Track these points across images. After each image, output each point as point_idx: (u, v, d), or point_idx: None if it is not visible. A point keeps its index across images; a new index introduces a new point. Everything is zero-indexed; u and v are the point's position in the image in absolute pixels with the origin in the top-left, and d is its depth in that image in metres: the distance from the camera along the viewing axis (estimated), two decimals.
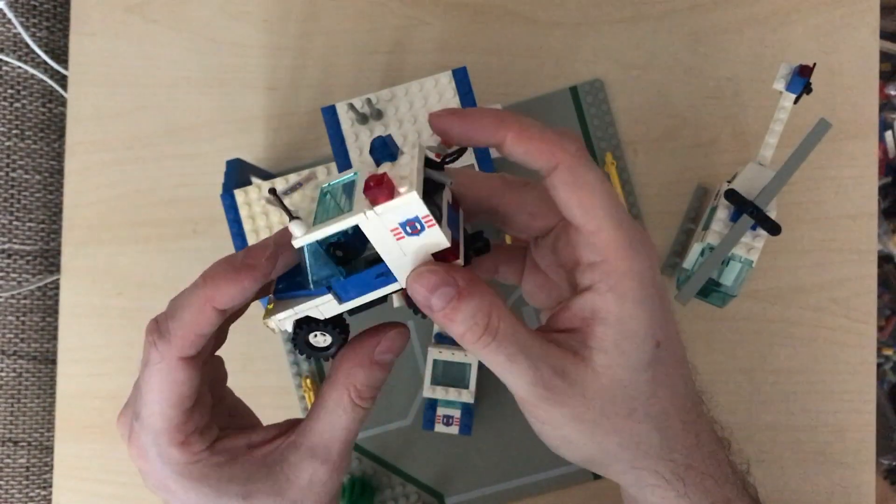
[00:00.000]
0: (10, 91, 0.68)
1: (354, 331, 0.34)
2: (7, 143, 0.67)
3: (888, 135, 1.04)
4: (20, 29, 0.67)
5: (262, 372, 0.58)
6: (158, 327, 0.31)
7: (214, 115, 0.61)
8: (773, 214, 0.48)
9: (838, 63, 0.57)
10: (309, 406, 0.57)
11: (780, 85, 0.49)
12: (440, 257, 0.31)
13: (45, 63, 0.69)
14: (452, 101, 0.47)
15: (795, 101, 0.49)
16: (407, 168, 0.31)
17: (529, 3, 0.60)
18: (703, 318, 0.56)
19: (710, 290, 0.51)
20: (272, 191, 0.32)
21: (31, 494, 0.68)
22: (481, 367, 0.52)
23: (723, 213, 0.49)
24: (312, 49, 0.61)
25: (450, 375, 0.53)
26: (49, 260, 0.69)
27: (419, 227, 0.30)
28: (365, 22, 0.61)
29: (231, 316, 0.34)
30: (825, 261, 0.57)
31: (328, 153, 0.56)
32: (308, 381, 0.58)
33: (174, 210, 0.60)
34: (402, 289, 0.32)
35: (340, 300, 0.32)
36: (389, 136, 0.33)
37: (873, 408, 0.56)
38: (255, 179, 0.57)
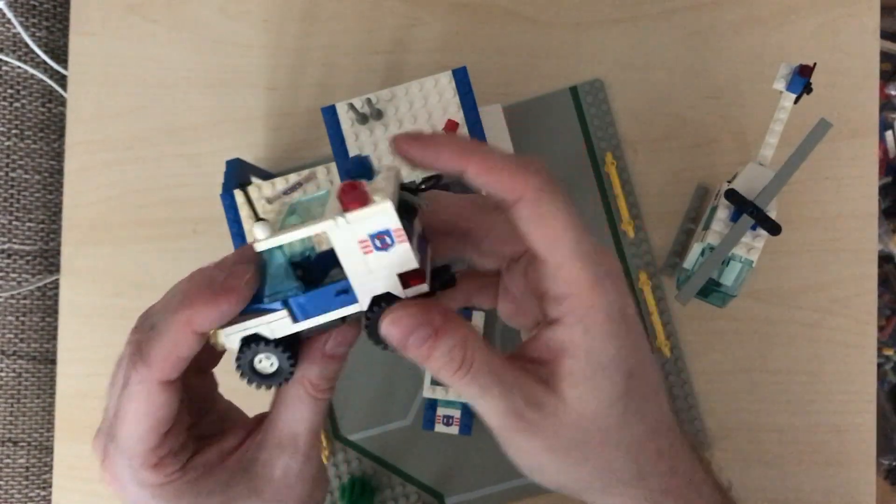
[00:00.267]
0: (9, 91, 0.68)
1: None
2: (7, 143, 0.67)
3: (888, 135, 1.04)
4: (20, 29, 0.67)
5: None
6: (140, 349, 0.31)
7: (214, 115, 0.61)
8: (773, 214, 0.48)
9: (838, 63, 0.57)
10: None
11: (780, 85, 0.49)
12: (405, 280, 0.30)
13: (45, 63, 0.68)
14: (452, 100, 0.47)
15: (795, 101, 0.49)
16: (383, 183, 0.30)
17: (529, 3, 0.60)
18: (703, 318, 0.56)
19: (710, 290, 0.51)
20: (243, 190, 0.31)
21: (31, 494, 0.68)
22: None
23: (723, 213, 0.49)
24: (312, 49, 0.61)
25: None
26: (49, 260, 0.69)
27: (389, 241, 0.30)
28: (365, 22, 0.61)
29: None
30: (825, 261, 0.56)
31: (328, 153, 0.56)
32: None
33: (174, 210, 0.60)
34: (361, 312, 0.31)
35: (295, 318, 0.31)
36: (368, 156, 0.32)
37: (873, 408, 0.56)
38: (255, 179, 0.57)
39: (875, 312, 0.56)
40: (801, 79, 0.48)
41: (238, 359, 0.31)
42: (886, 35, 1.00)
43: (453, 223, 0.33)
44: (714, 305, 0.52)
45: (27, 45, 0.68)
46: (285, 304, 0.31)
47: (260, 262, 0.31)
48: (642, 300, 0.57)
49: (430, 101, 0.47)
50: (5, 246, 0.67)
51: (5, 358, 0.67)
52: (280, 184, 0.53)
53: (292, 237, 0.29)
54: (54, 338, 0.68)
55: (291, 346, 0.32)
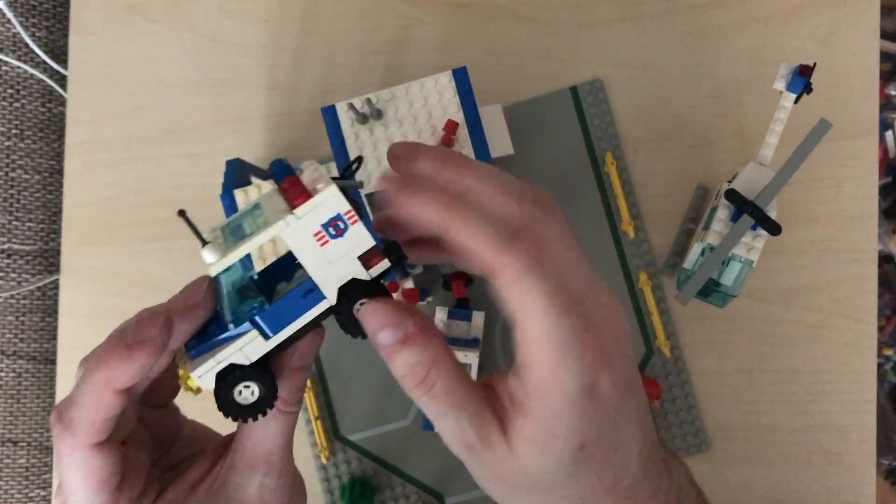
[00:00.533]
0: (9, 91, 0.68)
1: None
2: (7, 143, 0.67)
3: (888, 135, 1.04)
4: (20, 29, 0.67)
5: None
6: (61, 418, 0.30)
7: (214, 115, 0.61)
8: (773, 214, 0.48)
9: (838, 63, 0.57)
10: (310, 403, 0.57)
11: (780, 85, 0.49)
12: (366, 261, 0.30)
13: (45, 63, 0.68)
14: (452, 100, 0.47)
15: (796, 101, 0.49)
16: (316, 174, 0.30)
17: (529, 3, 0.60)
18: (703, 318, 0.56)
19: (710, 290, 0.51)
20: (181, 212, 0.31)
21: (31, 495, 0.68)
22: (481, 367, 0.52)
23: (723, 213, 0.49)
24: (312, 49, 0.61)
25: None
26: (49, 260, 0.69)
27: (343, 226, 0.29)
28: (365, 22, 0.61)
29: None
30: (825, 261, 0.56)
31: (328, 153, 0.56)
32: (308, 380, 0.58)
33: (174, 210, 0.60)
34: (332, 306, 0.30)
35: (266, 335, 0.30)
36: (284, 159, 0.32)
37: (873, 408, 0.56)
38: (254, 179, 0.57)
39: (875, 312, 0.56)
40: (801, 79, 0.48)
41: (218, 397, 0.30)
42: (886, 35, 1.00)
43: (428, 232, 0.32)
44: (714, 305, 0.52)
45: (27, 45, 0.68)
46: (253, 324, 0.30)
47: (218, 288, 0.30)
48: (642, 300, 0.57)
49: (430, 101, 0.47)
50: (5, 246, 0.67)
51: (5, 358, 0.67)
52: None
53: (245, 250, 0.29)
54: (54, 338, 0.68)
55: (268, 371, 0.31)
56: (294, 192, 0.29)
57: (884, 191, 1.04)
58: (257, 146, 0.60)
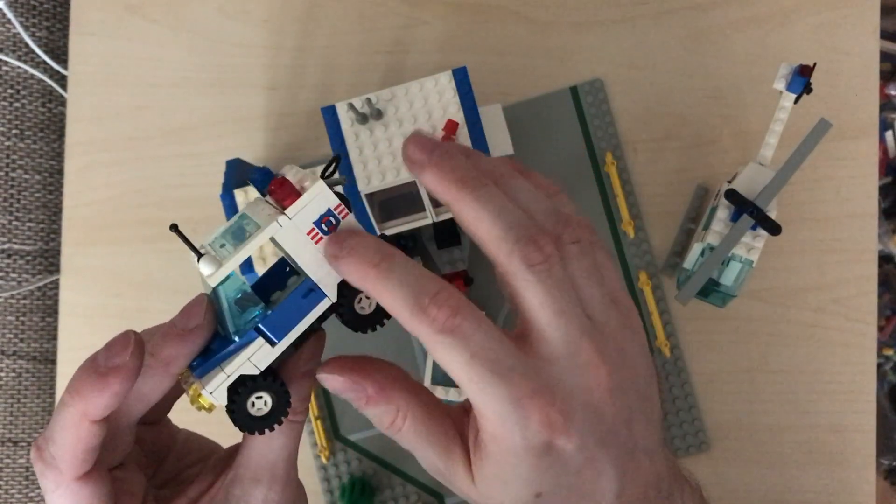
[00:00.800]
0: (9, 91, 0.68)
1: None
2: (7, 143, 0.67)
3: (888, 135, 1.04)
4: (20, 29, 0.67)
5: None
6: (41, 455, 0.30)
7: (214, 115, 0.61)
8: (773, 214, 0.48)
9: (838, 63, 0.57)
10: (310, 403, 0.57)
11: (780, 85, 0.49)
12: None
13: (45, 63, 0.68)
14: (452, 100, 0.47)
15: (795, 101, 0.49)
16: (299, 175, 0.30)
17: (529, 3, 0.60)
18: (703, 318, 0.56)
19: (710, 290, 0.51)
20: (174, 227, 0.30)
21: (31, 494, 0.68)
22: None
23: (723, 213, 0.49)
24: (312, 49, 0.61)
25: (450, 377, 0.53)
26: (49, 260, 0.69)
27: (334, 220, 0.30)
28: (365, 22, 0.61)
29: (177, 392, 0.33)
30: (825, 261, 0.56)
31: (328, 153, 0.56)
32: None
33: (174, 210, 0.60)
34: (333, 303, 0.30)
35: (272, 341, 0.30)
36: (264, 165, 0.32)
37: (873, 408, 0.56)
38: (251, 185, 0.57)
39: (875, 312, 0.56)
40: (801, 79, 0.48)
41: (232, 411, 0.30)
42: (886, 35, 1.00)
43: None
44: (714, 305, 0.52)
45: (27, 45, 0.68)
46: (258, 331, 0.30)
47: (217, 302, 0.30)
48: (642, 300, 0.57)
49: (430, 101, 0.47)
50: (5, 246, 0.67)
51: (5, 358, 0.67)
52: None
53: (242, 256, 0.29)
54: (54, 338, 0.68)
55: (278, 378, 0.31)
56: (283, 192, 0.29)
57: (884, 191, 1.04)
58: (257, 146, 0.60)
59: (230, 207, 0.53)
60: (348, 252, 0.29)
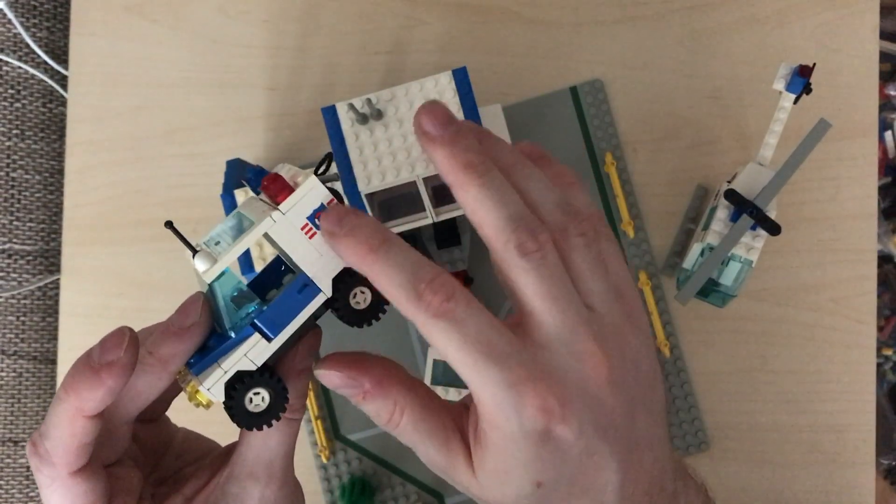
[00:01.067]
0: (10, 91, 0.68)
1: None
2: (7, 143, 0.68)
3: (888, 135, 1.04)
4: (20, 29, 0.67)
5: None
6: (37, 450, 0.30)
7: (214, 115, 0.61)
8: (773, 214, 0.48)
9: (838, 63, 0.57)
10: (310, 403, 0.57)
11: (780, 85, 0.49)
12: None
13: (45, 63, 0.69)
14: (452, 101, 0.47)
15: (795, 101, 0.49)
16: (292, 172, 0.30)
17: (529, 3, 0.60)
18: (703, 318, 0.56)
19: (710, 290, 0.51)
20: (169, 224, 0.30)
21: (31, 494, 0.68)
22: None
23: (723, 213, 0.49)
24: (312, 49, 0.61)
25: (450, 375, 0.53)
26: (49, 260, 0.69)
27: None
28: (365, 22, 0.61)
29: (174, 389, 0.33)
30: (825, 261, 0.57)
31: (320, 161, 0.56)
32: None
33: (174, 210, 0.60)
34: (329, 298, 0.31)
35: (269, 337, 0.30)
36: (258, 164, 0.32)
37: (873, 408, 0.56)
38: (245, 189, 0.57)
39: (875, 312, 0.56)
40: (801, 79, 0.48)
41: (230, 407, 0.30)
42: (886, 35, 1.00)
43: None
44: (714, 305, 0.52)
45: (27, 46, 0.68)
46: (254, 327, 0.30)
47: (214, 299, 0.30)
48: (642, 300, 0.57)
49: None
50: (6, 246, 0.67)
51: (6, 358, 0.67)
52: None
53: (236, 252, 0.29)
54: (55, 338, 0.68)
55: (275, 374, 0.31)
56: (275, 188, 0.29)
57: (883, 191, 1.04)
58: (257, 146, 0.60)
59: (230, 207, 0.53)
60: (347, 232, 0.29)
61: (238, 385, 0.30)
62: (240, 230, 0.30)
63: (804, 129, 0.47)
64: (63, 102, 0.69)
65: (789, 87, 0.49)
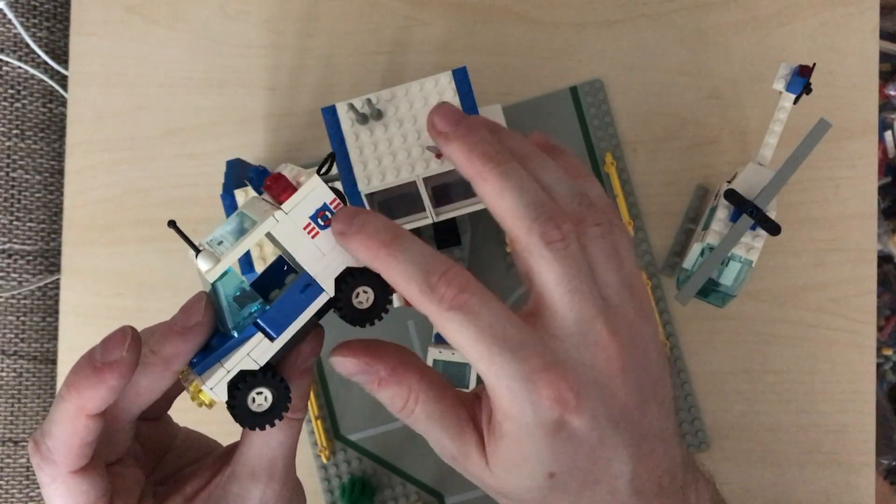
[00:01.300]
0: (10, 91, 0.68)
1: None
2: (7, 143, 0.68)
3: (888, 135, 1.04)
4: (20, 29, 0.67)
5: None
6: (38, 449, 0.30)
7: (214, 115, 0.61)
8: (772, 214, 0.48)
9: (838, 63, 0.57)
10: (310, 403, 0.57)
11: (780, 85, 0.49)
12: None
13: (45, 63, 0.69)
14: (452, 101, 0.47)
15: (795, 101, 0.49)
16: (295, 171, 0.30)
17: (529, 3, 0.60)
18: (703, 318, 0.56)
19: (710, 290, 0.51)
20: (172, 223, 0.30)
21: (32, 494, 0.68)
22: None
23: (723, 213, 0.50)
24: (312, 49, 0.61)
25: (450, 375, 0.53)
26: (49, 260, 0.69)
27: (330, 215, 0.30)
28: (365, 22, 0.61)
29: (177, 389, 0.33)
30: (825, 261, 0.57)
31: (322, 160, 0.56)
32: None
33: (174, 210, 0.60)
34: (331, 297, 0.31)
35: (271, 336, 0.30)
36: (260, 164, 0.32)
37: (873, 408, 0.56)
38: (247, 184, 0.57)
39: (875, 312, 0.56)
40: (801, 79, 0.48)
41: (233, 406, 0.30)
42: (886, 35, 1.00)
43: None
44: (714, 305, 0.52)
45: (28, 46, 0.68)
46: (257, 327, 0.30)
47: (217, 298, 0.30)
48: None
49: (430, 101, 0.47)
50: (6, 246, 0.67)
51: (6, 358, 0.67)
52: None
53: (239, 251, 0.29)
54: (55, 338, 0.68)
55: (277, 373, 0.31)
56: (278, 187, 0.29)
57: (883, 191, 1.04)
58: (257, 146, 0.61)
59: (230, 207, 0.53)
60: (357, 230, 0.29)
61: (241, 385, 0.30)
62: (242, 230, 0.30)
63: (804, 129, 0.47)
64: (63, 102, 0.69)
65: (789, 87, 0.49)
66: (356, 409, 0.58)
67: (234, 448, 0.34)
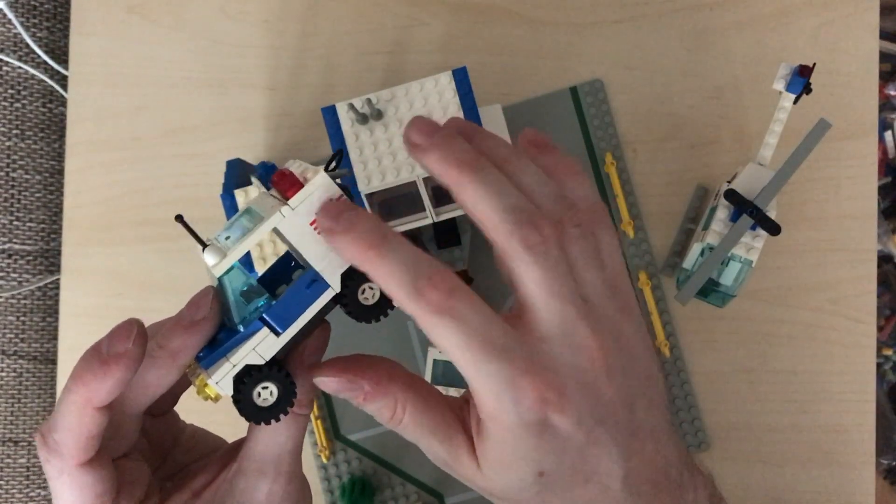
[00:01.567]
0: (10, 91, 0.68)
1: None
2: (7, 143, 0.68)
3: (888, 135, 1.04)
4: (20, 29, 0.67)
5: None
6: (45, 441, 0.30)
7: (214, 115, 0.61)
8: (772, 214, 0.48)
9: (838, 63, 0.57)
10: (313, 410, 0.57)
11: (779, 85, 0.49)
12: None
13: (45, 63, 0.69)
14: (452, 101, 0.47)
15: (795, 101, 0.49)
16: (302, 167, 0.30)
17: (530, 3, 0.60)
18: (703, 318, 0.56)
19: (710, 290, 0.51)
20: (179, 217, 0.30)
21: (32, 494, 0.68)
22: None
23: (723, 213, 0.50)
24: (312, 49, 0.61)
25: (450, 375, 0.53)
26: (49, 260, 0.69)
27: None
28: (365, 22, 0.61)
29: (183, 384, 0.33)
30: (825, 261, 0.57)
31: (328, 153, 0.56)
32: None
33: (174, 210, 0.60)
34: (337, 293, 0.31)
35: (277, 332, 0.30)
36: (268, 160, 0.32)
37: (873, 408, 0.56)
38: (254, 180, 0.57)
39: (875, 312, 0.56)
40: (801, 79, 0.48)
41: (238, 401, 0.30)
42: (886, 35, 1.00)
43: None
44: (714, 305, 0.52)
45: (28, 46, 0.68)
46: (262, 321, 0.30)
47: (223, 292, 0.30)
48: (642, 300, 0.57)
49: (430, 102, 0.47)
50: (6, 246, 0.67)
51: (6, 358, 0.67)
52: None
53: (246, 246, 0.29)
54: (55, 338, 0.68)
55: (283, 368, 0.31)
56: (286, 183, 0.29)
57: (883, 191, 1.04)
58: (257, 146, 0.61)
59: (230, 207, 0.53)
60: (345, 228, 0.29)
61: (246, 379, 0.30)
62: (250, 225, 0.30)
63: (804, 129, 0.47)
64: (63, 102, 0.69)
65: (789, 87, 0.49)
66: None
67: (240, 444, 0.34)
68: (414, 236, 0.54)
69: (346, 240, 0.29)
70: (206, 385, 0.30)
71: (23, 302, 0.68)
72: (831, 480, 0.56)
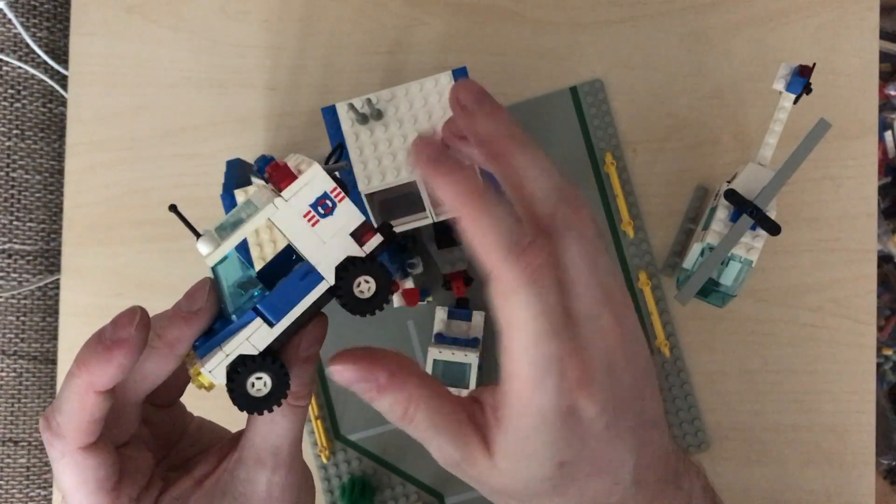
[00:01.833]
0: (10, 91, 0.68)
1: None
2: (7, 143, 0.68)
3: (888, 135, 1.04)
4: (20, 29, 0.67)
5: None
6: (49, 424, 0.30)
7: (214, 115, 0.61)
8: (772, 214, 0.48)
9: (838, 63, 0.57)
10: (312, 410, 0.57)
11: (779, 85, 0.49)
12: (358, 237, 0.30)
13: (45, 63, 0.69)
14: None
15: (795, 101, 0.49)
16: (297, 159, 0.30)
17: (530, 3, 0.60)
18: (703, 318, 0.57)
19: (710, 290, 0.51)
20: (172, 207, 0.30)
21: (32, 494, 0.68)
22: (481, 367, 0.52)
23: (723, 213, 0.50)
24: (312, 49, 0.61)
25: (450, 375, 0.53)
26: (49, 260, 0.69)
27: (331, 204, 0.30)
28: (365, 22, 0.61)
29: (187, 375, 0.33)
30: (825, 261, 0.57)
31: (328, 153, 0.56)
32: None
33: None
34: (331, 286, 0.31)
35: (271, 322, 0.30)
36: (267, 153, 0.32)
37: (873, 408, 0.56)
38: (255, 179, 0.57)
39: (875, 312, 0.56)
40: (801, 79, 0.48)
41: (231, 390, 0.30)
42: (886, 35, 1.00)
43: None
44: (714, 305, 0.52)
45: (28, 46, 0.68)
46: (256, 312, 0.30)
47: (218, 281, 0.31)
48: (642, 300, 0.57)
49: (430, 102, 0.47)
50: (6, 246, 0.67)
51: (6, 358, 0.67)
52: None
53: (239, 237, 0.29)
54: (55, 338, 0.68)
55: (277, 359, 0.31)
56: (279, 175, 0.29)
57: (883, 191, 1.04)
58: (257, 146, 0.61)
59: (230, 207, 0.53)
60: (448, 170, 0.28)
61: (240, 369, 0.30)
62: (245, 216, 0.30)
63: (804, 129, 0.47)
64: (63, 102, 0.69)
65: (789, 87, 0.49)
66: (356, 409, 0.58)
67: (241, 434, 0.34)
68: (414, 236, 0.54)
69: (450, 181, 0.28)
70: (199, 374, 0.30)
71: (23, 302, 0.68)
72: (831, 480, 0.56)
